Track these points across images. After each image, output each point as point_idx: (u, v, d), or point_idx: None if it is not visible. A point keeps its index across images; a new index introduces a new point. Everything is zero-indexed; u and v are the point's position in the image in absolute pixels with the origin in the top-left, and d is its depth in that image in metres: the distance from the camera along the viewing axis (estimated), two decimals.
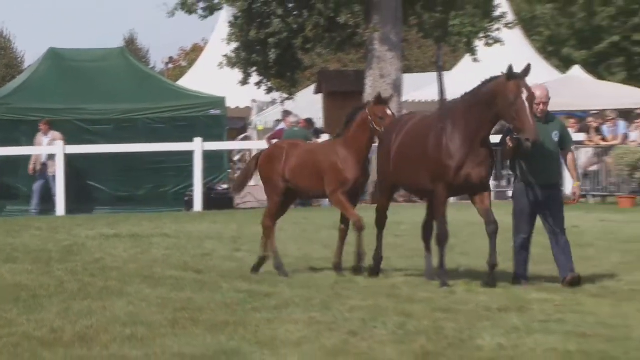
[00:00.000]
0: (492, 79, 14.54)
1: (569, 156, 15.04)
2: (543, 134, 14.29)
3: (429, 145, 14.87)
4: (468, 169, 14.63)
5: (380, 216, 16.34)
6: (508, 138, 14.39)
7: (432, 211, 15.76)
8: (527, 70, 14.21)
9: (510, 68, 14.16)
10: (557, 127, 14.70)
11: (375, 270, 15.99)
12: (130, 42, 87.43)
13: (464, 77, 42.04)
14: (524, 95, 13.99)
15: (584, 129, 34.20)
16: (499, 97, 14.19)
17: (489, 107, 14.40)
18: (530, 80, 44.11)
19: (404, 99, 36.96)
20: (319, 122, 39.51)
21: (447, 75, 41.63)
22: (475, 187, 14.76)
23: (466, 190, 15.01)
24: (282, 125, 33.85)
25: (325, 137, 33.81)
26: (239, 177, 19.52)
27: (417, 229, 22.95)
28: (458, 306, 12.96)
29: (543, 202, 14.62)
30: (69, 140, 31.62)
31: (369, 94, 35.01)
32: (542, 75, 42.23)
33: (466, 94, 14.94)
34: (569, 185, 15.77)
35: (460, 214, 27.94)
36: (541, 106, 14.55)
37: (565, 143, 14.86)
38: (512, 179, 15.41)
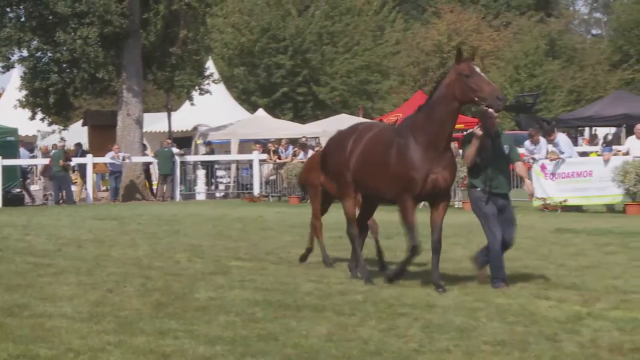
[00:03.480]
0: (441, 78, 11.33)
1: (520, 164, 11.71)
2: (495, 147, 11.12)
3: (392, 159, 11.11)
4: (434, 174, 10.92)
5: (355, 219, 12.21)
6: (476, 128, 11.03)
7: (366, 212, 12.31)
8: (473, 54, 11.25)
9: (458, 51, 10.95)
10: (507, 141, 11.32)
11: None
12: None
13: (185, 116, 41.95)
14: (478, 69, 10.77)
15: (266, 151, 34.56)
16: (456, 82, 10.76)
17: (449, 102, 10.84)
18: (228, 117, 43.78)
19: (144, 130, 36.57)
20: (85, 145, 38.73)
21: (173, 114, 41.32)
22: (439, 192, 11.05)
23: (430, 196, 11.10)
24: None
25: (89, 156, 33.49)
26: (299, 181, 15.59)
27: (155, 219, 22.88)
28: (182, 271, 12.84)
29: (498, 210, 11.13)
30: None
31: (119, 127, 34.79)
32: (237, 114, 42.53)
33: (422, 105, 11.39)
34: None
35: (186, 207, 27.87)
36: (496, 120, 11.07)
37: (513, 156, 11.41)
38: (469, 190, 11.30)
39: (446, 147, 11.05)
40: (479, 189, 11.18)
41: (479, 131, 11.00)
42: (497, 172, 11.12)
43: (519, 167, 11.78)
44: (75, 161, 34.06)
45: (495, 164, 11.11)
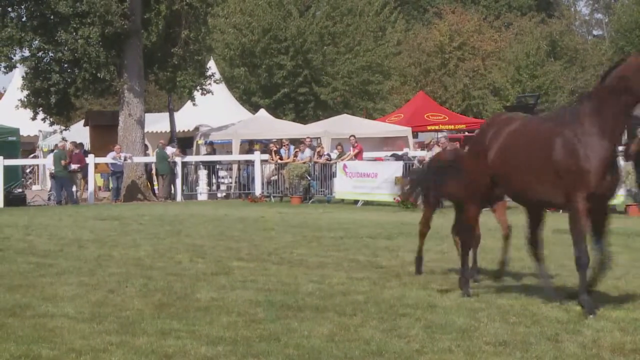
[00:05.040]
0: (615, 66, 9.50)
1: None
2: None
3: (558, 152, 9.43)
4: (609, 176, 9.35)
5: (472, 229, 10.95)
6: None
7: (533, 222, 10.51)
8: None
9: None
10: None
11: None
12: None
13: (186, 116, 41.94)
14: None
15: (266, 151, 34.56)
16: (635, 75, 9.09)
17: (621, 94, 9.19)
18: (229, 117, 43.61)
19: (146, 130, 36.60)
20: (87, 146, 38.75)
21: (175, 114, 41.31)
22: (606, 198, 9.57)
23: (595, 201, 9.41)
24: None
25: (91, 157, 33.54)
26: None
27: (157, 219, 22.86)
28: (184, 272, 12.84)
29: None
30: None
31: (121, 127, 34.82)
32: (239, 115, 42.49)
33: (586, 94, 9.83)
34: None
35: (188, 208, 27.84)
36: None
37: None
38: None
39: (617, 144, 9.51)
40: None
41: None
42: None
43: None
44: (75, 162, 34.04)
45: None
